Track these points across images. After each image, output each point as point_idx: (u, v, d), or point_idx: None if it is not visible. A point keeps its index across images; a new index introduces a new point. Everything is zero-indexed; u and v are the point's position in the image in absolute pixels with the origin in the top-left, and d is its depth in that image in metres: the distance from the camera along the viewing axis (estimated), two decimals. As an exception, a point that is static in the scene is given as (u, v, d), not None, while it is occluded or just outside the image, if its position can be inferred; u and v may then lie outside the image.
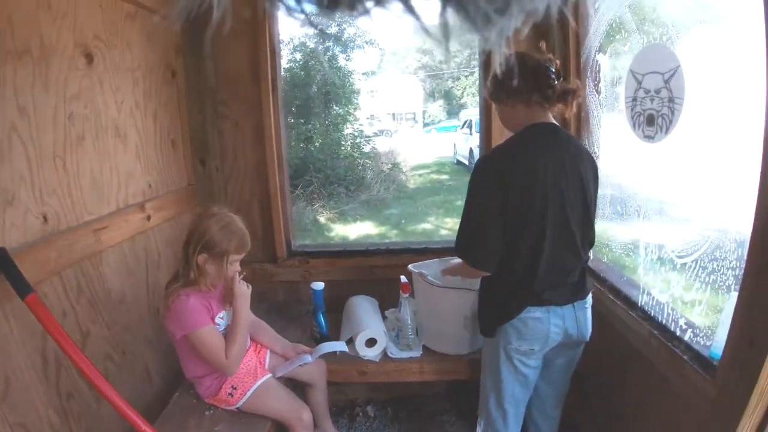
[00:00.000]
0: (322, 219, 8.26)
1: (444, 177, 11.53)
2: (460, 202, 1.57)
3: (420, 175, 11.48)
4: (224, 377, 1.56)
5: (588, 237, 1.49)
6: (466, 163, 11.64)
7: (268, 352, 1.79)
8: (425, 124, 23.72)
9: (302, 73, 9.88)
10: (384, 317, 2.12)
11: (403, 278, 1.98)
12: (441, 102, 24.80)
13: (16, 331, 1.17)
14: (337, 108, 10.08)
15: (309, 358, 1.76)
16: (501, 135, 1.73)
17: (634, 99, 1.47)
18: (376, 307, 2.17)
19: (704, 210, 1.47)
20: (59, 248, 1.31)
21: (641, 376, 1.48)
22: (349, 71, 10.65)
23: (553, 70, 1.40)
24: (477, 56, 2.27)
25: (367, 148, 10.40)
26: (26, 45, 1.24)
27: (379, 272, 2.29)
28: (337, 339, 2.00)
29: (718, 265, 1.19)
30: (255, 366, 1.67)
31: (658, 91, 1.35)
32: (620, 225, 1.69)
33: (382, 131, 12.29)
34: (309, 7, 0.30)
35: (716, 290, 1.20)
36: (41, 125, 1.29)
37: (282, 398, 1.62)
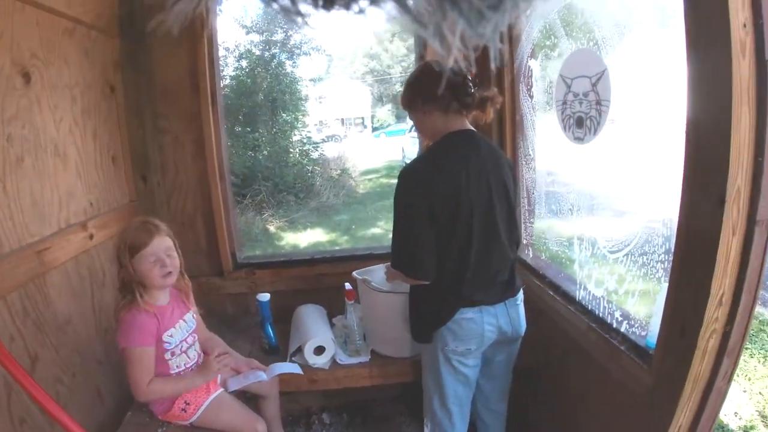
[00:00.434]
0: (272, 228, 8.11)
1: (393, 181, 11.24)
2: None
3: (370, 180, 11.53)
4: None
5: (514, 236, 1.53)
6: (415, 166, 11.73)
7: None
8: (374, 129, 23.83)
9: (249, 80, 9.67)
10: (332, 324, 2.13)
11: (347, 285, 1.97)
12: (389, 106, 24.96)
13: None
14: (285, 115, 9.92)
15: (264, 376, 1.75)
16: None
17: (564, 102, 1.51)
18: (323, 315, 2.18)
19: (633, 206, 1.54)
20: (2, 272, 1.27)
21: (582, 368, 1.51)
22: (295, 78, 10.50)
23: (470, 78, 1.40)
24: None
25: (315, 155, 10.33)
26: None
27: (326, 280, 2.31)
28: (286, 349, 2.02)
29: (647, 259, 1.24)
30: (207, 380, 1.66)
31: (586, 95, 1.40)
32: (556, 223, 1.75)
33: (331, 137, 12.20)
34: (304, 7, 0.30)
35: (648, 282, 1.26)
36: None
37: (236, 411, 1.62)
